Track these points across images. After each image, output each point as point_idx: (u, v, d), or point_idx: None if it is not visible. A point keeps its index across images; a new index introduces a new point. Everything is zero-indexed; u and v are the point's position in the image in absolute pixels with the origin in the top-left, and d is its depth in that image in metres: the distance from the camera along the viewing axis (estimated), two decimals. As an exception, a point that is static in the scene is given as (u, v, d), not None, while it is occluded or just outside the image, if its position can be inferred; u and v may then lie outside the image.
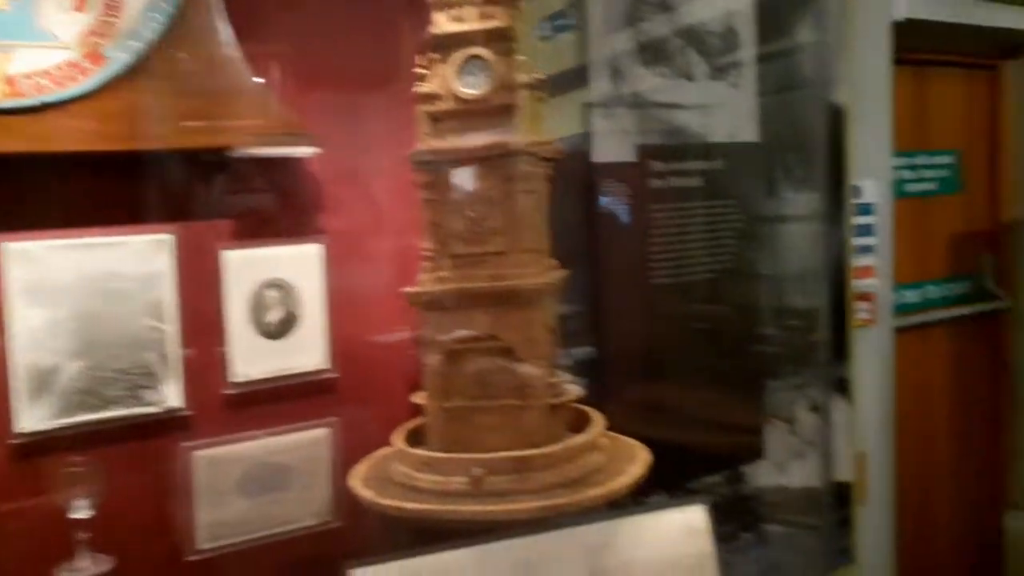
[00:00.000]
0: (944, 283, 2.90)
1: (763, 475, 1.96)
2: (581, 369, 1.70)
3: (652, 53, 1.88)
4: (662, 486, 1.74)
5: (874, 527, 2.36)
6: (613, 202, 1.87)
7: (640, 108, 1.88)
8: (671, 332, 1.90)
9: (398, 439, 1.43)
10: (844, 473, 2.12)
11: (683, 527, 1.23)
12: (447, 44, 1.40)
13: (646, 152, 1.88)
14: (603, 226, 1.84)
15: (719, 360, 1.92)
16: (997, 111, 3.03)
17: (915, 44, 2.70)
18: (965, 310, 2.94)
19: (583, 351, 1.77)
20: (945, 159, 2.92)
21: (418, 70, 1.42)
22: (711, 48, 1.95)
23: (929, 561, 2.87)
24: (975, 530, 3.04)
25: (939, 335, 2.90)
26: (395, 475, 1.37)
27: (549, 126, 1.73)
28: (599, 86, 1.83)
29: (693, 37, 1.93)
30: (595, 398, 1.59)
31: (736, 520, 1.91)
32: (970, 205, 2.98)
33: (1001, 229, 3.03)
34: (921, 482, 2.84)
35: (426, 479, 1.31)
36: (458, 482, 1.27)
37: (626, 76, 1.86)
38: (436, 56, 1.41)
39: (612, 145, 1.84)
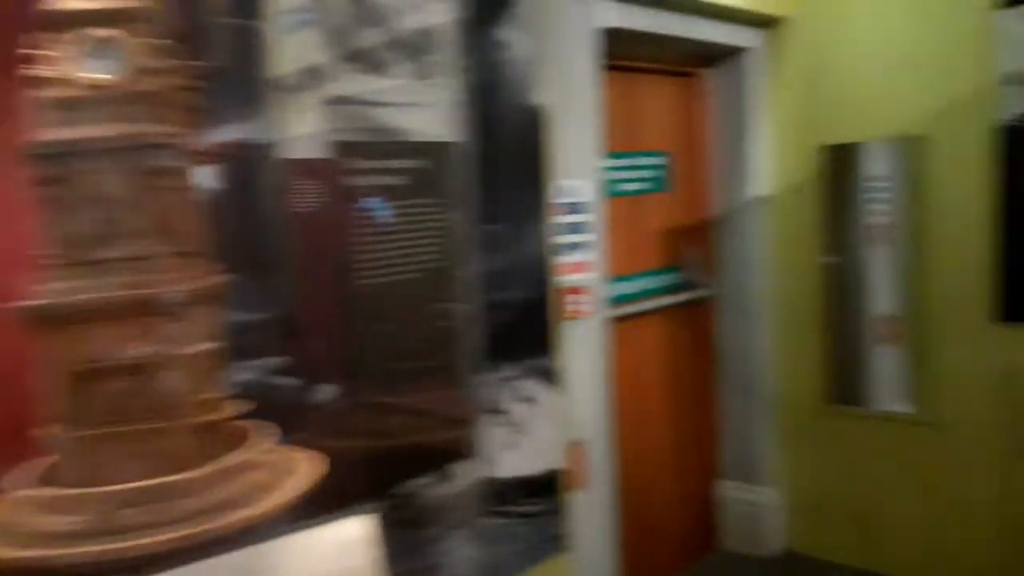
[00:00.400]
0: (657, 274, 3.13)
1: (476, 470, 1.97)
2: (274, 379, 1.60)
3: (359, 51, 1.82)
4: (365, 495, 1.69)
5: (594, 511, 2.48)
6: (314, 202, 1.78)
7: (343, 105, 1.81)
8: (378, 334, 1.85)
9: (19, 479, 1.24)
10: (558, 462, 2.20)
11: (344, 540, 1.18)
12: (73, 22, 1.24)
13: (348, 150, 1.81)
14: (302, 227, 1.75)
15: (428, 359, 1.90)
16: (699, 116, 3.31)
17: (624, 51, 2.88)
18: (677, 299, 3.19)
19: (277, 360, 1.67)
20: (656, 160, 3.14)
21: (36, 51, 1.24)
22: (416, 47, 1.92)
23: (651, 538, 3.09)
24: (692, 501, 3.32)
25: (654, 323, 3.12)
26: (16, 522, 1.19)
27: (284, 124, 1.63)
28: (305, 82, 1.74)
29: (399, 36, 1.89)
30: (290, 408, 1.49)
31: (448, 518, 1.90)
32: (679, 202, 3.24)
33: (705, 224, 3.33)
34: (642, 462, 3.04)
35: (50, 522, 1.15)
36: (84, 521, 1.12)
37: (331, 73, 1.78)
38: (60, 35, 1.24)
39: (313, 143, 1.75)
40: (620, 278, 2.93)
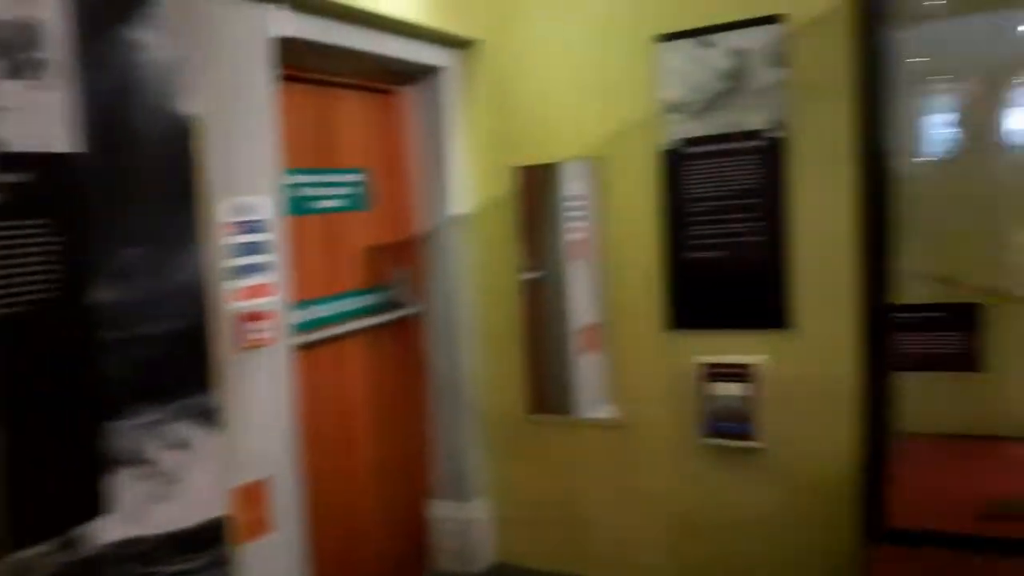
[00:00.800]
0: (358, 295, 3.03)
1: (111, 530, 1.71)
2: None
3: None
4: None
5: (280, 554, 2.30)
6: None
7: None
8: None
9: None
10: (223, 509, 1.99)
11: None
12: None
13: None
14: None
15: (41, 404, 1.62)
16: (398, 133, 3.27)
17: (311, 64, 2.75)
18: (382, 318, 3.11)
19: None
20: (354, 177, 3.05)
21: None
22: (20, 44, 1.64)
23: (355, 570, 2.96)
24: (403, 525, 3.25)
25: (357, 345, 3.01)
26: None
27: None
28: None
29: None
30: None
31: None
32: (380, 220, 3.16)
33: (410, 242, 3.29)
34: (346, 492, 2.91)
35: None
36: None
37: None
38: None
39: None
40: (315, 300, 2.78)
